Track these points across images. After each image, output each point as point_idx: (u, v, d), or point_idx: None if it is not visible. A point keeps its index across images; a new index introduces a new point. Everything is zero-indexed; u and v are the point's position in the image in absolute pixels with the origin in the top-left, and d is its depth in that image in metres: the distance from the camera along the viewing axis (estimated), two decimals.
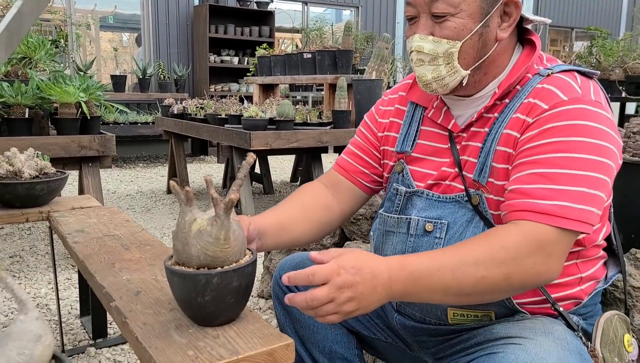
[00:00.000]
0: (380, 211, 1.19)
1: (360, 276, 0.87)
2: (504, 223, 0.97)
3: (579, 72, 1.03)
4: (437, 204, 1.10)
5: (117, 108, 3.42)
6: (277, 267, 1.30)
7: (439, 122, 1.15)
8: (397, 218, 1.14)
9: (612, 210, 1.13)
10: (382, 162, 1.26)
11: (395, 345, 1.27)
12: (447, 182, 1.10)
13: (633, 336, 1.11)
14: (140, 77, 6.98)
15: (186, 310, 0.95)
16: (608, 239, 1.14)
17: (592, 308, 1.11)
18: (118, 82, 6.82)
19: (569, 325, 1.01)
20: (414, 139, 1.18)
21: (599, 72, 1.06)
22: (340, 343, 1.26)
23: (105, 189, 5.02)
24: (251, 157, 0.97)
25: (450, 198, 1.08)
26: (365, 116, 1.33)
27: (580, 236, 1.00)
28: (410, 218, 1.11)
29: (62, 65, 4.21)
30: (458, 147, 1.11)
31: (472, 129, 1.09)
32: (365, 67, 4.04)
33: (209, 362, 0.83)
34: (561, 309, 1.02)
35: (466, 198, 1.06)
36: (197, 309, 0.91)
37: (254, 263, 0.94)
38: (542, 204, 0.91)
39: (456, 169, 1.09)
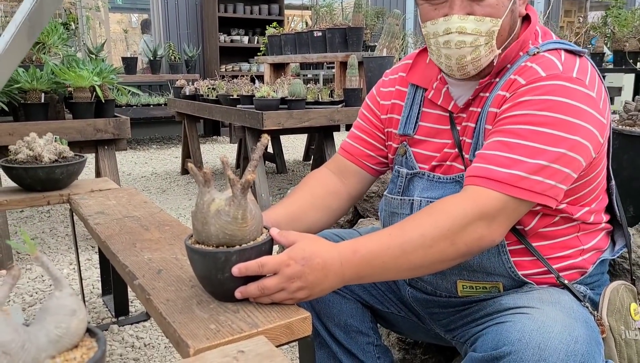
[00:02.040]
0: (385, 193, 1.22)
1: (309, 267, 0.90)
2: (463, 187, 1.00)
3: (566, 50, 1.04)
4: (438, 185, 1.12)
5: (130, 91, 3.46)
6: None
7: (439, 103, 1.16)
8: (401, 199, 1.17)
9: (613, 184, 1.15)
10: (386, 143, 1.28)
11: (408, 319, 1.31)
12: (448, 163, 1.13)
13: None
14: (151, 58, 7.01)
15: (207, 287, 0.99)
16: (612, 211, 1.16)
17: (599, 277, 1.13)
18: (129, 64, 6.86)
19: (577, 298, 1.04)
20: (416, 121, 1.19)
21: (586, 50, 1.06)
22: (355, 317, 1.31)
23: (120, 172, 5.09)
24: (265, 138, 1.00)
25: (450, 179, 1.11)
26: (366, 98, 1.33)
27: (538, 207, 1.02)
28: (413, 199, 1.14)
29: (73, 48, 4.25)
30: (458, 128, 1.12)
31: (471, 109, 1.11)
32: (376, 44, 4.03)
33: (230, 334, 0.87)
34: (565, 281, 1.05)
35: None
36: (217, 285, 0.95)
37: (270, 241, 0.98)
38: (495, 171, 0.95)
39: (456, 150, 1.11)
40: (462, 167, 1.10)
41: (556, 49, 1.04)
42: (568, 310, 0.92)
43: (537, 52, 1.03)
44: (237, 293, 0.94)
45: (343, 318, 1.30)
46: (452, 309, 1.17)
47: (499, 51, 1.05)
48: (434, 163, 1.15)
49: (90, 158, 2.79)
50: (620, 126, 1.49)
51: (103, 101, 2.89)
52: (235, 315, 0.93)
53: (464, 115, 1.12)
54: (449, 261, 0.97)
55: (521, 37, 1.07)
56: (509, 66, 1.07)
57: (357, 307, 1.32)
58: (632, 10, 5.50)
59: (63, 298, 0.61)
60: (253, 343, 0.85)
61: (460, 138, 1.11)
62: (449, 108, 1.14)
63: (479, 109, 1.08)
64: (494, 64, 1.06)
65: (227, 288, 0.95)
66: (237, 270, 0.91)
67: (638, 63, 4.58)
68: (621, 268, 1.28)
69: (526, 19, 1.11)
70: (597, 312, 1.04)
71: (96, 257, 2.80)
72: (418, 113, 1.20)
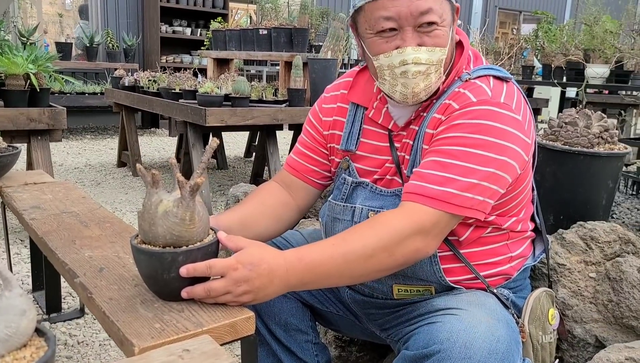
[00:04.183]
0: (329, 199, 1.27)
1: (256, 272, 0.94)
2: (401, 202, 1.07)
3: (494, 76, 1.12)
4: (379, 197, 1.19)
5: (65, 79, 3.34)
6: None
7: (379, 122, 1.22)
8: (344, 206, 1.23)
9: (535, 194, 1.25)
10: (329, 158, 1.33)
11: (346, 318, 1.37)
12: (388, 177, 1.20)
13: (556, 307, 1.25)
14: (87, 45, 6.74)
15: (152, 286, 1.00)
16: (534, 219, 1.27)
17: (521, 282, 1.24)
18: (63, 49, 6.56)
19: (501, 301, 1.13)
20: (358, 138, 1.25)
21: (512, 76, 1.15)
22: (295, 315, 1.35)
23: (52, 162, 4.88)
24: (215, 142, 1.02)
25: (390, 192, 1.18)
26: (309, 114, 1.37)
27: (471, 220, 1.10)
28: (355, 207, 1.20)
29: (2, 32, 4.04)
30: (397, 145, 1.19)
31: (411, 127, 1.18)
32: (321, 44, 4.08)
33: (175, 333, 0.89)
34: (493, 289, 1.15)
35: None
36: (163, 285, 0.97)
37: (217, 242, 1.00)
38: (430, 189, 1.03)
39: (394, 166, 1.18)
40: (401, 181, 1.17)
41: (486, 75, 1.12)
42: (492, 312, 1.01)
43: (469, 79, 1.11)
44: (184, 293, 0.95)
45: (283, 316, 1.34)
46: (387, 310, 1.24)
47: (444, 76, 1.12)
48: (375, 177, 1.21)
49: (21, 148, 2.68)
50: (544, 141, 1.61)
51: (38, 90, 2.78)
52: (180, 315, 0.95)
53: (404, 133, 1.19)
54: (387, 270, 1.04)
55: (459, 63, 1.14)
56: (445, 88, 1.14)
57: (298, 306, 1.37)
58: (560, 26, 5.83)
59: (12, 298, 0.62)
60: (198, 342, 0.88)
61: (399, 154, 1.18)
62: (389, 127, 1.20)
63: (417, 128, 1.15)
64: (439, 88, 1.13)
65: (172, 288, 0.97)
66: (185, 270, 0.93)
67: (564, 77, 4.88)
68: (540, 272, 1.40)
69: (458, 44, 1.18)
70: (520, 319, 1.14)
71: (25, 251, 2.70)
72: (359, 130, 1.25)
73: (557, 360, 1.24)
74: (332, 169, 1.33)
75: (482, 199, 1.04)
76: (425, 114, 1.15)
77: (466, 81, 1.11)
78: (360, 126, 1.25)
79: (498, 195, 1.07)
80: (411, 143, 1.16)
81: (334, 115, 1.30)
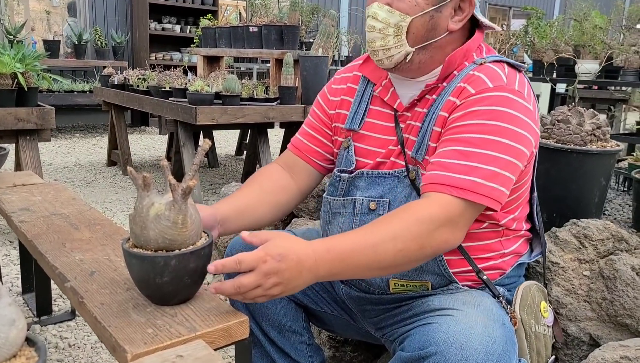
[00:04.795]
0: (324, 195, 1.27)
1: (285, 263, 0.92)
2: (422, 193, 1.07)
3: (508, 63, 1.13)
4: (378, 181, 1.19)
5: (52, 78, 3.29)
6: (228, 245, 1.35)
7: (386, 100, 1.22)
8: (343, 200, 1.22)
9: (535, 194, 1.25)
10: (333, 139, 1.33)
11: (340, 317, 1.37)
12: (392, 159, 1.19)
13: (549, 304, 1.25)
14: (76, 43, 6.67)
15: (144, 290, 0.99)
16: (531, 219, 1.26)
17: (516, 279, 1.24)
18: (51, 47, 6.49)
19: (494, 295, 1.13)
20: (362, 117, 1.25)
21: (525, 66, 1.16)
22: (289, 316, 1.34)
23: (41, 162, 4.83)
24: (207, 144, 1.01)
25: (390, 174, 1.18)
26: (318, 95, 1.38)
27: (489, 212, 1.11)
28: (355, 199, 1.20)
29: None
30: (402, 126, 1.19)
31: (416, 109, 1.18)
32: (311, 40, 4.06)
33: (168, 339, 0.88)
34: (485, 277, 1.15)
35: (405, 174, 1.16)
36: (155, 289, 0.95)
37: (210, 245, 0.99)
38: (456, 178, 1.02)
39: (399, 147, 1.18)
40: (403, 163, 1.17)
41: (500, 61, 1.13)
42: (488, 312, 1.01)
43: (483, 62, 1.12)
44: (212, 289, 0.94)
45: (277, 318, 1.33)
46: (383, 306, 1.23)
47: (413, 49, 1.13)
48: (378, 159, 1.21)
49: (9, 148, 2.64)
50: None
51: (26, 89, 2.74)
52: (173, 319, 0.94)
53: (409, 114, 1.19)
54: (415, 262, 1.03)
55: (465, 46, 1.15)
56: (455, 73, 1.14)
57: (291, 307, 1.36)
58: (549, 22, 5.85)
59: (1, 307, 0.60)
60: (192, 347, 0.87)
61: (404, 136, 1.18)
62: (395, 106, 1.20)
63: (426, 110, 1.16)
64: (412, 62, 1.14)
65: (165, 292, 0.95)
66: (214, 267, 0.91)
67: (554, 73, 4.89)
68: (534, 271, 1.40)
69: (472, 35, 1.18)
70: (511, 306, 1.13)
71: (15, 253, 2.66)
72: (365, 109, 1.26)
73: (554, 356, 1.24)
74: (334, 151, 1.33)
75: (503, 190, 1.04)
76: (434, 97, 1.15)
77: (480, 64, 1.12)
78: (367, 106, 1.26)
79: (512, 184, 1.07)
80: (418, 124, 1.16)
81: (342, 95, 1.32)
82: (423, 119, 1.15)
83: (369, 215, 1.18)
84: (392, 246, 0.98)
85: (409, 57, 1.14)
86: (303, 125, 1.39)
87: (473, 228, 1.13)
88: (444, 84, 1.14)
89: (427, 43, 1.13)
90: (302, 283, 0.96)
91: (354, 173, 1.23)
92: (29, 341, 0.64)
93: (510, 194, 1.12)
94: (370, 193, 1.18)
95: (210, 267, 0.92)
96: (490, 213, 1.12)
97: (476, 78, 1.09)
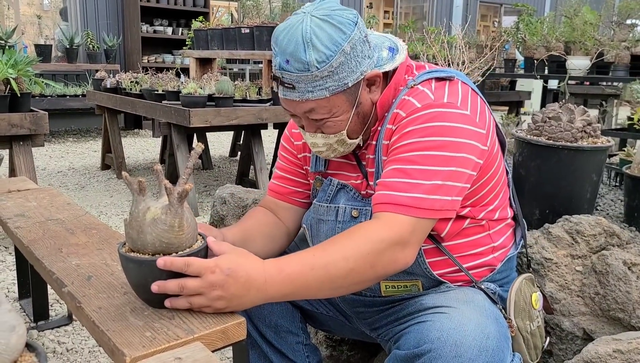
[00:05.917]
0: (314, 201, 1.28)
1: (233, 279, 0.93)
2: (373, 213, 1.08)
3: (437, 78, 1.15)
4: (361, 200, 1.22)
5: (45, 82, 3.29)
6: None
7: None
8: (327, 206, 1.24)
9: (509, 178, 1.27)
10: (307, 178, 1.35)
11: (335, 318, 1.38)
12: (362, 192, 1.22)
13: (537, 286, 1.27)
14: (67, 46, 6.65)
15: (141, 294, 0.99)
16: (512, 206, 1.29)
17: (508, 274, 1.25)
18: (43, 51, 6.47)
19: (488, 295, 1.14)
20: (326, 160, 1.28)
21: (454, 75, 1.17)
22: (285, 317, 1.35)
23: (35, 167, 4.82)
24: (199, 147, 1.02)
25: (369, 201, 1.19)
26: (282, 140, 1.40)
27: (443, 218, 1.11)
28: (338, 206, 1.22)
29: None
30: (364, 163, 1.23)
31: (369, 142, 1.21)
32: None
33: (167, 342, 0.89)
34: (474, 279, 1.16)
35: None
36: (152, 293, 0.96)
37: (206, 248, 1.00)
38: (400, 196, 1.04)
39: (365, 180, 1.22)
40: (373, 192, 1.19)
41: (428, 79, 1.15)
42: (481, 309, 1.02)
43: (414, 85, 1.14)
44: (154, 286, 0.94)
45: (274, 319, 1.34)
46: (376, 308, 1.24)
47: (359, 138, 1.18)
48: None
49: (3, 154, 2.64)
50: (528, 136, 1.63)
51: (18, 95, 2.74)
52: (170, 322, 0.94)
53: (365, 150, 1.23)
54: (367, 282, 1.05)
55: (392, 83, 1.17)
56: (393, 100, 1.17)
57: (287, 308, 1.37)
58: (540, 19, 5.88)
59: (2, 314, 0.61)
60: (190, 349, 0.88)
61: (369, 171, 1.21)
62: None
63: (374, 142, 1.19)
64: (361, 145, 1.20)
65: (162, 296, 0.96)
66: (163, 262, 0.92)
67: (546, 70, 4.92)
68: (521, 260, 1.41)
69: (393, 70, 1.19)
70: (506, 314, 1.15)
71: (10, 259, 2.66)
72: None
73: (548, 339, 1.26)
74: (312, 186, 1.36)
75: (451, 199, 1.06)
76: (380, 128, 1.18)
77: (411, 87, 1.14)
78: None
79: (465, 191, 1.09)
80: (372, 156, 1.20)
81: (302, 139, 1.32)
82: (374, 151, 1.18)
83: (351, 222, 1.19)
84: (344, 266, 0.99)
85: (360, 141, 1.19)
86: (276, 169, 1.40)
87: (457, 227, 1.15)
88: (386, 113, 1.17)
89: (368, 124, 1.18)
90: (249, 302, 0.96)
91: (342, 182, 1.24)
92: (29, 346, 0.65)
93: (481, 188, 1.15)
94: (353, 203, 1.21)
95: (160, 261, 0.92)
96: (466, 211, 1.14)
97: (406, 102, 1.12)
